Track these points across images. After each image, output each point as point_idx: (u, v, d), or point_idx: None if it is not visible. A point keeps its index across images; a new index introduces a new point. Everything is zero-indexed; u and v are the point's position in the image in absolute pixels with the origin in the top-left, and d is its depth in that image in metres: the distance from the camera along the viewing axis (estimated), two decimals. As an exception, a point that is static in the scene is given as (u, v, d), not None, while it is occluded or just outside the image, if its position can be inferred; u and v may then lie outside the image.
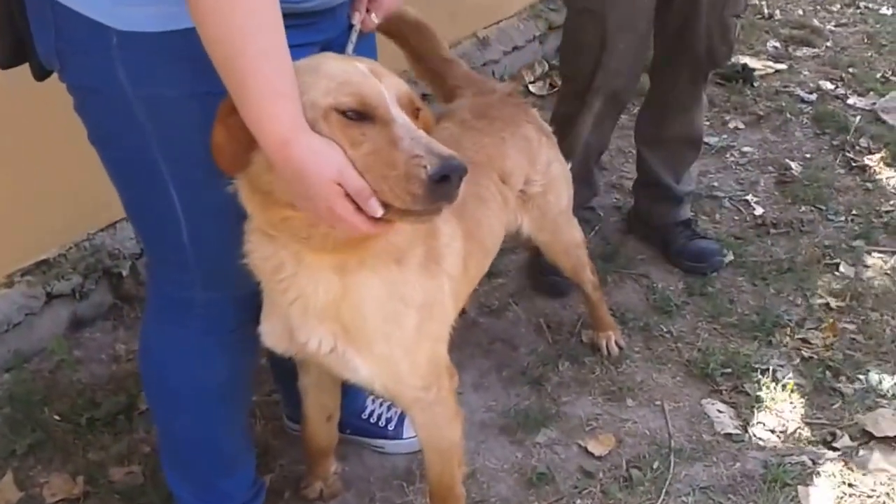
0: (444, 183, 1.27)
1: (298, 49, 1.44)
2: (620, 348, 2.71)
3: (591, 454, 2.38)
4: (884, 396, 2.60)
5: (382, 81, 1.35)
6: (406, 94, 1.38)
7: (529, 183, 2.21)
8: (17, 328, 2.44)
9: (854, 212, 3.48)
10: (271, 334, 1.69)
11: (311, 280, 1.51)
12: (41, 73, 1.52)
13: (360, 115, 1.32)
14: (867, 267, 3.18)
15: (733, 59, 4.46)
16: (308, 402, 2.07)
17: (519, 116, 2.24)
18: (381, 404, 2.38)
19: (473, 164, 1.93)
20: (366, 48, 1.74)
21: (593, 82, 2.73)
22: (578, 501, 2.25)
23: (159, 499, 2.10)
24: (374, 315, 1.59)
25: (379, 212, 1.31)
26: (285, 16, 1.31)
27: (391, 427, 2.35)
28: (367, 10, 1.72)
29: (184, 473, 1.95)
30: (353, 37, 1.68)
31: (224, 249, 1.61)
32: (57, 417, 2.31)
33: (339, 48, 1.64)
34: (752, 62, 4.49)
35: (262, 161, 1.35)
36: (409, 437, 2.32)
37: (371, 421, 2.35)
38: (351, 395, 2.33)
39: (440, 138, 1.40)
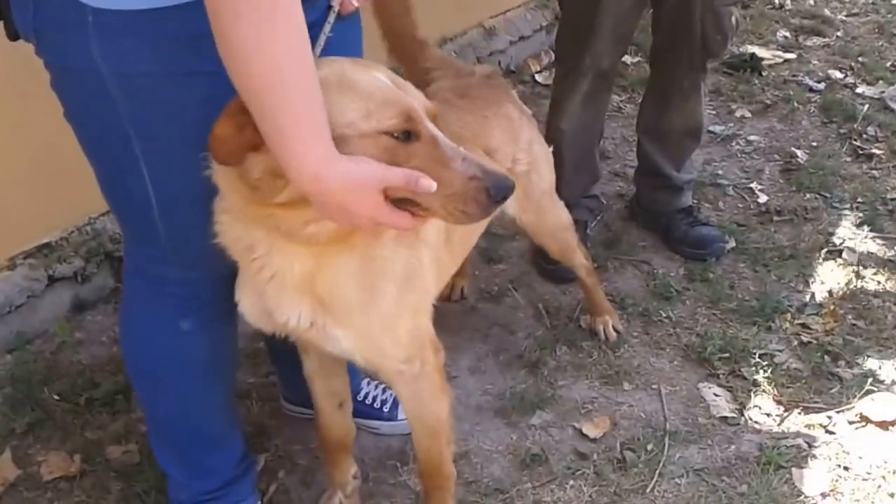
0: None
1: None
2: (618, 332, 2.71)
3: (586, 436, 2.38)
4: (882, 382, 2.59)
5: (408, 95, 1.36)
6: (431, 108, 1.39)
7: (515, 162, 2.21)
8: (20, 310, 2.48)
9: (859, 199, 3.46)
10: (251, 313, 1.68)
11: (286, 257, 1.51)
12: (14, 35, 1.52)
13: (407, 134, 1.33)
14: (871, 254, 3.16)
15: (741, 49, 4.48)
16: (316, 390, 2.01)
17: (500, 96, 2.25)
18: (375, 386, 2.40)
19: (459, 138, 1.95)
20: (352, 36, 1.73)
21: (582, 63, 2.75)
22: (571, 482, 2.26)
23: (155, 477, 2.13)
24: (349, 287, 1.59)
25: (433, 186, 1.32)
26: None
27: (386, 409, 2.37)
28: None
29: (170, 451, 1.97)
30: (331, 18, 1.66)
31: (196, 230, 1.61)
32: (56, 397, 2.35)
33: (318, 31, 1.65)
34: (760, 51, 4.46)
35: (263, 163, 1.34)
36: (403, 419, 2.33)
37: (366, 402, 2.37)
38: (349, 375, 2.35)
39: None
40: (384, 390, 2.39)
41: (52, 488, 2.15)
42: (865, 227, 3.29)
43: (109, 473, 2.19)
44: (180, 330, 1.77)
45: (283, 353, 2.28)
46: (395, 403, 2.37)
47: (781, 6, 5.02)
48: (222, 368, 1.94)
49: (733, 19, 2.82)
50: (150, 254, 1.71)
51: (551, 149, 2.47)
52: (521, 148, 2.24)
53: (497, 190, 1.33)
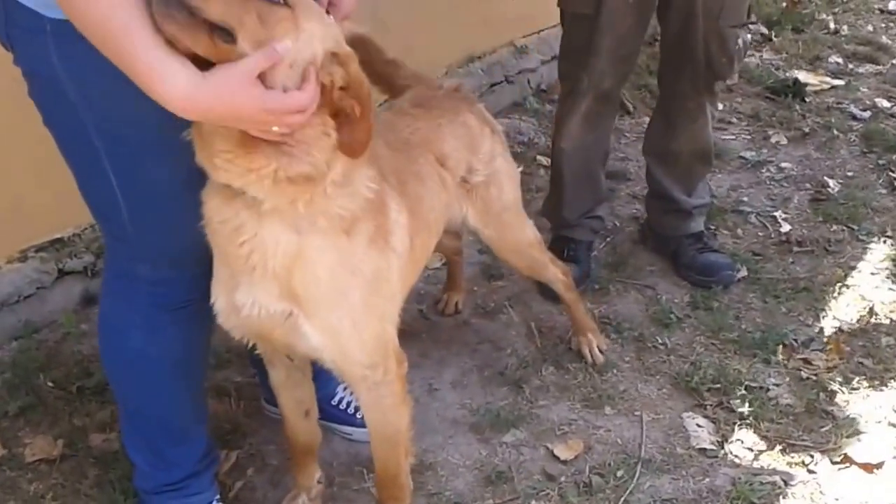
0: None
1: None
2: (603, 353, 2.68)
3: (557, 458, 2.38)
4: (877, 423, 2.51)
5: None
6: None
7: (472, 172, 2.22)
8: (29, 300, 2.63)
9: (888, 233, 3.35)
10: (224, 312, 1.73)
11: (272, 237, 1.55)
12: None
13: None
14: (891, 290, 3.06)
15: (787, 74, 4.38)
16: (283, 399, 2.08)
17: (460, 107, 2.27)
18: (350, 392, 2.44)
19: (408, 143, 2.02)
20: None
21: (581, 83, 2.76)
22: (534, 502, 2.25)
23: (129, 465, 2.20)
24: (324, 281, 1.64)
25: (289, 44, 1.37)
26: None
27: (359, 415, 2.40)
28: (327, 13, 1.79)
29: (138, 441, 2.04)
30: None
31: (164, 230, 1.70)
32: (51, 384, 2.48)
33: None
34: (807, 77, 4.37)
35: None
36: (372, 426, 2.39)
37: (340, 407, 2.42)
38: (322, 381, 2.40)
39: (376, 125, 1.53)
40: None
41: (32, 469, 2.26)
42: (889, 262, 3.18)
43: (89, 459, 2.29)
44: (152, 327, 1.85)
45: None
46: (366, 410, 2.41)
47: (836, 31, 4.88)
48: (192, 365, 2.01)
49: (740, 41, 2.78)
50: (124, 253, 1.80)
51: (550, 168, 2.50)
52: (479, 159, 2.25)
53: None
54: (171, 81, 1.35)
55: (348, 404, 2.42)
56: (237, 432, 2.40)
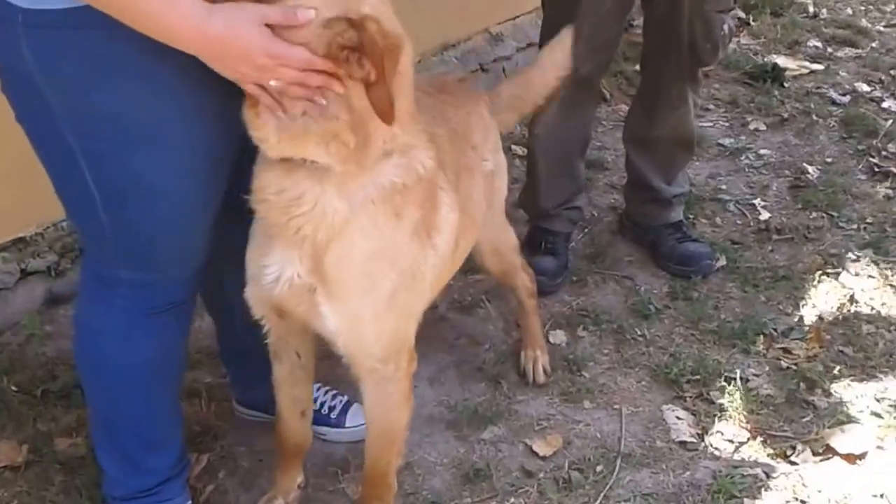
0: None
1: None
2: (547, 375, 2.57)
3: (536, 454, 2.34)
4: (859, 412, 2.48)
5: None
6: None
7: (484, 161, 2.17)
8: (-9, 302, 2.56)
9: (868, 220, 3.33)
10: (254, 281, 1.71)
11: (330, 206, 1.55)
12: None
13: None
14: (871, 278, 3.04)
15: (765, 58, 4.34)
16: (281, 395, 2.04)
17: (475, 96, 2.23)
18: (325, 392, 2.39)
19: (456, 133, 1.98)
20: None
21: None
22: (513, 500, 2.22)
23: (97, 471, 2.14)
24: (358, 263, 1.62)
25: (311, 13, 1.39)
26: None
27: (334, 415, 2.36)
28: None
29: (110, 448, 1.99)
30: None
31: (144, 228, 1.65)
32: (14, 388, 2.40)
33: None
34: (786, 62, 4.33)
35: None
36: (351, 427, 2.34)
37: (314, 407, 2.37)
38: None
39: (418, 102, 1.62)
40: (334, 396, 2.39)
41: (-4, 477, 2.21)
42: (869, 250, 3.15)
43: (54, 465, 2.22)
44: (130, 333, 1.80)
45: (235, 355, 2.32)
46: (344, 410, 2.37)
47: (816, 15, 4.85)
48: (169, 372, 1.97)
49: (725, 27, 2.74)
50: (101, 255, 1.75)
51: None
52: (489, 149, 2.20)
53: None
54: (182, 10, 1.36)
55: (322, 405, 2.37)
56: (208, 434, 2.34)
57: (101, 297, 1.80)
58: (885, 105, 4.04)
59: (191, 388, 2.42)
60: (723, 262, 3.05)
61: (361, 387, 1.85)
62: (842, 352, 2.71)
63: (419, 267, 1.73)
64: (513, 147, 3.69)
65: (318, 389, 2.40)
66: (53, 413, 2.37)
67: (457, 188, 1.85)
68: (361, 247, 1.60)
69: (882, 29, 4.77)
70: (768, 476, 2.29)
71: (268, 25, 1.39)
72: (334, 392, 2.39)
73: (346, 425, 2.35)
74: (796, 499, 2.23)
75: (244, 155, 1.72)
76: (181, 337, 1.94)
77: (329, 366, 2.45)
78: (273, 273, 1.64)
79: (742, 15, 4.62)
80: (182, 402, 2.29)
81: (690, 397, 2.53)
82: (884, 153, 3.68)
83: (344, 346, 1.73)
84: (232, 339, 2.28)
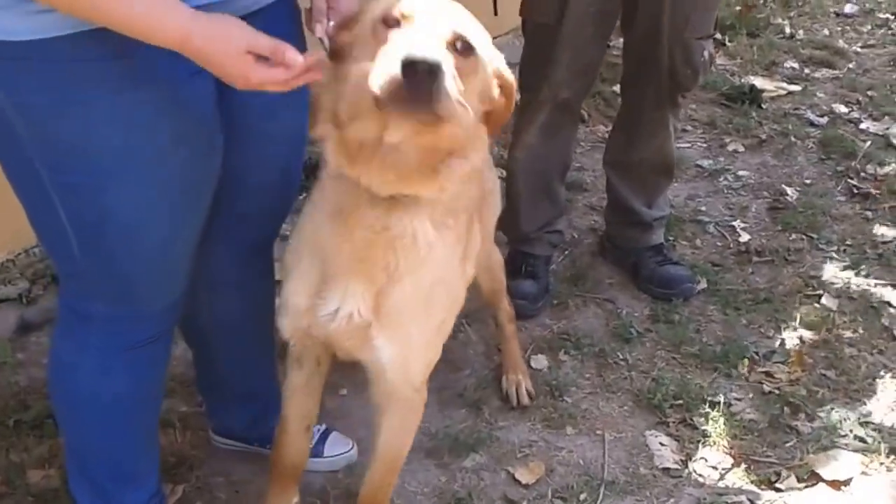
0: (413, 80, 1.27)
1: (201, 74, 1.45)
2: (531, 397, 2.55)
3: (518, 482, 2.30)
4: (842, 437, 2.47)
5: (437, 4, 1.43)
6: (449, 25, 1.39)
7: (484, 179, 2.12)
8: (-39, 330, 2.50)
9: (848, 241, 3.33)
10: (299, 313, 1.69)
11: (423, 238, 1.54)
12: None
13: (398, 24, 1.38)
14: (852, 300, 3.03)
15: (742, 79, 4.36)
16: (291, 406, 1.99)
17: None
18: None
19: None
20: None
21: (540, 93, 2.69)
22: (494, 530, 2.19)
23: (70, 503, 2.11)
24: (424, 294, 1.61)
25: (298, 59, 1.38)
26: None
27: (311, 445, 2.31)
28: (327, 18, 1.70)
29: (85, 482, 1.94)
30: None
31: (117, 264, 1.62)
32: (-15, 419, 2.35)
33: None
34: (763, 83, 4.34)
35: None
36: (329, 457, 2.30)
37: (292, 437, 2.33)
38: (275, 411, 2.31)
39: None
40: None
41: (-35, 511, 2.14)
42: (850, 272, 3.15)
43: (27, 497, 2.17)
44: (105, 368, 1.77)
45: (213, 385, 2.28)
46: (322, 439, 2.32)
47: (792, 36, 4.87)
48: (146, 407, 1.93)
49: (706, 53, 2.73)
50: (76, 289, 1.71)
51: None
52: (486, 166, 2.16)
53: (405, 57, 1.27)
54: (167, 15, 1.35)
55: (300, 433, 2.33)
56: (183, 465, 2.29)
57: (76, 330, 1.77)
58: (862, 126, 4.05)
59: (165, 418, 2.35)
60: (704, 284, 3.04)
61: (386, 414, 1.83)
62: (824, 375, 2.71)
63: (460, 292, 1.76)
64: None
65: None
66: (26, 443, 2.31)
67: (479, 219, 1.87)
68: (431, 275, 1.60)
69: (859, 49, 4.80)
70: (753, 503, 2.27)
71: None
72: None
73: (325, 455, 2.31)
74: (782, 526, 2.22)
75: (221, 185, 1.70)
76: (158, 372, 1.91)
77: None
78: (330, 308, 1.62)
79: (718, 36, 4.63)
80: (156, 432, 2.25)
81: (673, 422, 2.51)
82: (862, 174, 3.70)
83: (392, 375, 1.71)
84: (209, 368, 2.24)
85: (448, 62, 1.30)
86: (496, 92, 1.51)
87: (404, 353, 1.67)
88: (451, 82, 1.29)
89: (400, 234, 1.54)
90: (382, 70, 1.29)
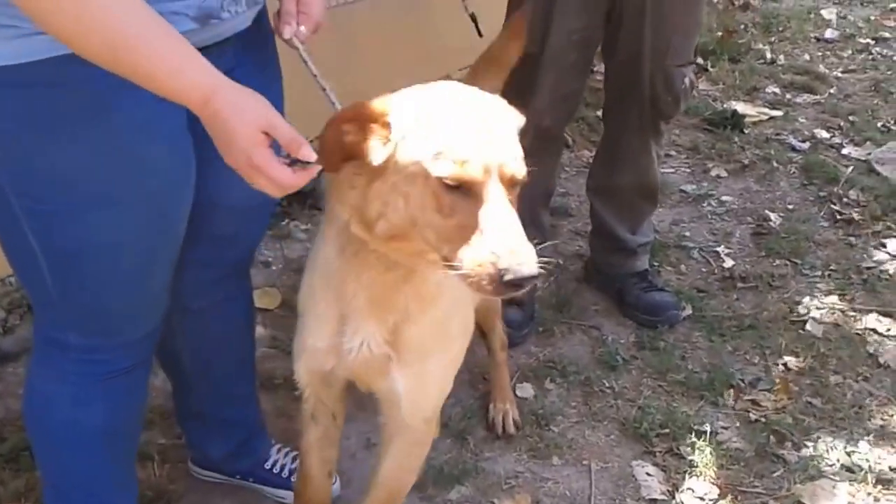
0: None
1: None
2: (518, 427, 2.53)
3: (504, 514, 2.28)
4: (830, 466, 2.46)
5: (493, 147, 1.33)
6: (510, 172, 1.34)
7: None
8: (-65, 360, 2.44)
9: (832, 267, 3.33)
10: (322, 354, 1.68)
11: (430, 277, 1.53)
12: None
13: (459, 186, 1.31)
14: (837, 326, 3.03)
15: (724, 105, 4.38)
16: (311, 459, 1.98)
17: None
18: (285, 454, 2.31)
19: None
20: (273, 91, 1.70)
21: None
22: (481, 565, 2.16)
23: (46, 539, 2.06)
24: (438, 326, 1.60)
25: (312, 157, 1.33)
26: None
27: (294, 478, 2.28)
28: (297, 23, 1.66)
29: None
30: (303, 54, 1.61)
31: (91, 291, 1.59)
32: (-40, 451, 2.30)
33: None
34: (745, 108, 4.36)
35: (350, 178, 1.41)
36: (312, 490, 2.26)
37: (274, 471, 2.28)
38: (256, 444, 2.28)
39: None
40: (293, 459, 2.30)
41: (-62, 547, 2.09)
42: (834, 297, 3.15)
43: (2, 534, 2.13)
44: (82, 398, 1.73)
45: (193, 415, 2.23)
46: (305, 473, 2.28)
47: (773, 61, 4.91)
48: (124, 437, 1.89)
49: (686, 80, 2.73)
50: (51, 319, 1.68)
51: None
52: None
53: (512, 278, 1.25)
54: (195, 73, 1.30)
55: (282, 468, 2.29)
56: (161, 499, 2.24)
57: (52, 360, 1.73)
58: (844, 151, 4.07)
59: (143, 451, 2.30)
60: (689, 311, 3.03)
61: (391, 447, 1.82)
62: (810, 403, 2.69)
63: (470, 321, 1.76)
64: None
65: (279, 451, 2.32)
66: (2, 477, 2.26)
67: None
68: (444, 310, 1.60)
69: (839, 75, 4.84)
70: (741, 535, 2.25)
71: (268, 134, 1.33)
72: (295, 453, 2.31)
73: (308, 487, 2.27)
74: (770, 558, 2.19)
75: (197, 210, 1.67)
76: (136, 401, 1.87)
77: (286, 422, 2.40)
78: (352, 344, 1.61)
79: (701, 61, 4.65)
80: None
81: (660, 452, 2.49)
82: (845, 200, 3.71)
83: (407, 407, 1.70)
84: (187, 396, 2.20)
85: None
86: None
87: (421, 386, 1.67)
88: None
89: (408, 274, 1.53)
90: (476, 265, 1.27)
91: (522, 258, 1.26)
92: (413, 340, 1.60)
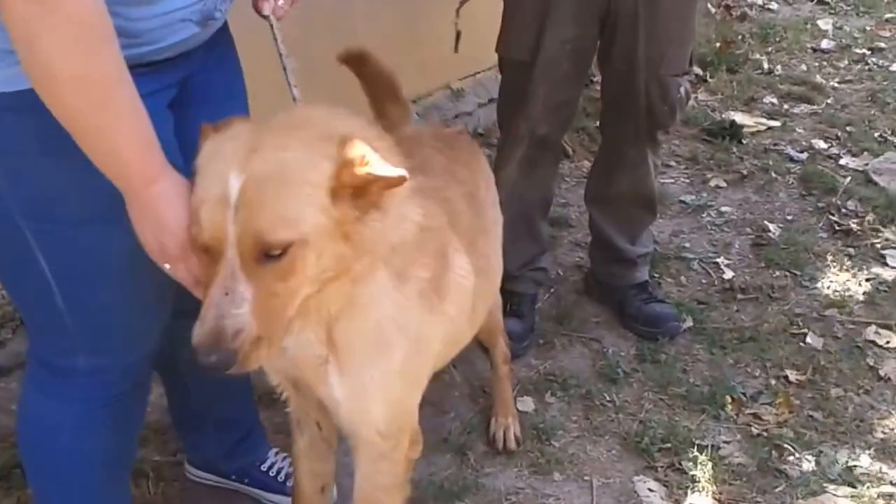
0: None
1: (152, 96, 1.42)
2: (519, 442, 2.50)
3: (505, 532, 2.26)
4: (833, 481, 2.43)
5: (239, 210, 1.28)
6: (252, 234, 1.29)
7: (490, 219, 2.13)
8: (-74, 375, 2.41)
9: (831, 278, 3.31)
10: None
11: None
12: None
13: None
14: (837, 339, 3.01)
15: (722, 115, 4.37)
16: (301, 470, 1.96)
17: (475, 150, 2.20)
18: (283, 458, 2.29)
19: (472, 196, 1.94)
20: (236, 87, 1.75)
21: (518, 130, 2.67)
22: (481, 584, 2.13)
23: (38, 560, 2.02)
24: (370, 332, 1.56)
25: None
26: (137, 66, 1.34)
27: (290, 483, 2.25)
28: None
29: None
30: (275, 31, 1.61)
31: (104, 310, 1.59)
32: (-50, 469, 2.26)
33: (200, 83, 1.62)
34: (743, 118, 4.33)
35: None
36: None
37: (270, 474, 2.27)
38: (252, 444, 2.26)
39: (429, 163, 1.69)
40: (291, 463, 2.27)
41: (-72, 568, 2.05)
42: (833, 309, 3.13)
43: (-8, 554, 2.09)
44: (85, 424, 1.72)
45: (188, 415, 2.22)
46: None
47: (770, 72, 4.89)
48: (122, 462, 1.89)
49: (682, 90, 2.72)
50: (56, 345, 1.66)
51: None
52: (490, 203, 2.14)
53: (194, 347, 1.30)
54: (157, 155, 1.37)
55: (279, 471, 2.29)
56: (155, 518, 2.21)
57: (56, 391, 1.72)
58: (842, 162, 4.06)
59: (138, 468, 2.27)
60: (689, 322, 3.01)
61: (356, 462, 1.78)
62: (811, 416, 2.67)
63: (428, 334, 1.68)
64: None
65: (276, 455, 2.32)
66: (-9, 496, 2.22)
67: (474, 251, 1.81)
68: (370, 313, 1.54)
69: (836, 85, 4.82)
70: (744, 552, 2.23)
71: None
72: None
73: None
74: (774, 575, 2.17)
75: None
76: (134, 426, 1.88)
77: (284, 438, 2.36)
78: (291, 350, 1.58)
79: (699, 71, 4.65)
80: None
81: (662, 467, 2.47)
82: (843, 211, 3.69)
83: (346, 416, 1.67)
84: (182, 398, 2.19)
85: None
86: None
87: (357, 394, 1.63)
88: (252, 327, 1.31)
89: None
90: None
91: (208, 328, 1.30)
92: (342, 341, 1.56)
